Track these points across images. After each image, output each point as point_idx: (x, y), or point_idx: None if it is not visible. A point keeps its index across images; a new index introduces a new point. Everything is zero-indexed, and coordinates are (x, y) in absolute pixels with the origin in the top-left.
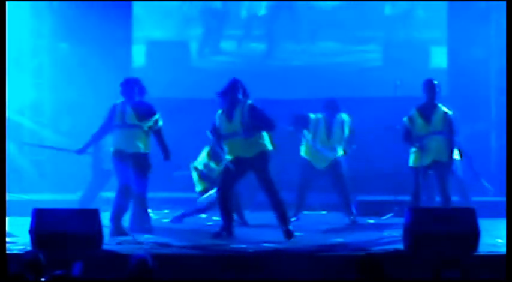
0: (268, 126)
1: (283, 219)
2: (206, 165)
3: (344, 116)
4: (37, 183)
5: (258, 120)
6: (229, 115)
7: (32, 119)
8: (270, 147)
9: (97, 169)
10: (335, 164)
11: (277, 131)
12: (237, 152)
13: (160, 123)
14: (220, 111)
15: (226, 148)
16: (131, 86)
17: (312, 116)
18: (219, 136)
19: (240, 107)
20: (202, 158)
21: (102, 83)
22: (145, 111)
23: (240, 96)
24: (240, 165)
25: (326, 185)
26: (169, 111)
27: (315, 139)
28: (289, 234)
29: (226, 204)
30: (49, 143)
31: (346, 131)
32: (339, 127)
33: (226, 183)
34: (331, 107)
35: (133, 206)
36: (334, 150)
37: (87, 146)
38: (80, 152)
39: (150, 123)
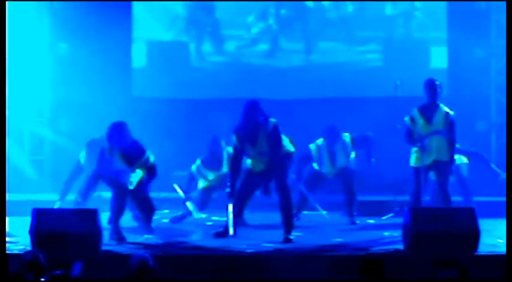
0: (278, 150)
1: (287, 226)
2: (199, 169)
3: (345, 138)
4: (37, 183)
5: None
6: (253, 141)
7: (32, 119)
8: (291, 148)
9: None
10: (344, 170)
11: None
12: (261, 167)
13: (152, 159)
14: (236, 137)
15: (249, 162)
16: (117, 131)
17: (312, 147)
18: (237, 168)
19: (263, 130)
20: (197, 163)
21: (101, 83)
22: (134, 155)
23: (260, 118)
24: (262, 175)
25: (328, 185)
26: (169, 111)
27: (321, 167)
28: (288, 242)
29: (241, 207)
30: (49, 143)
31: (351, 153)
32: (341, 152)
33: (246, 188)
34: (330, 134)
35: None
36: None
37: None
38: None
39: (140, 163)
